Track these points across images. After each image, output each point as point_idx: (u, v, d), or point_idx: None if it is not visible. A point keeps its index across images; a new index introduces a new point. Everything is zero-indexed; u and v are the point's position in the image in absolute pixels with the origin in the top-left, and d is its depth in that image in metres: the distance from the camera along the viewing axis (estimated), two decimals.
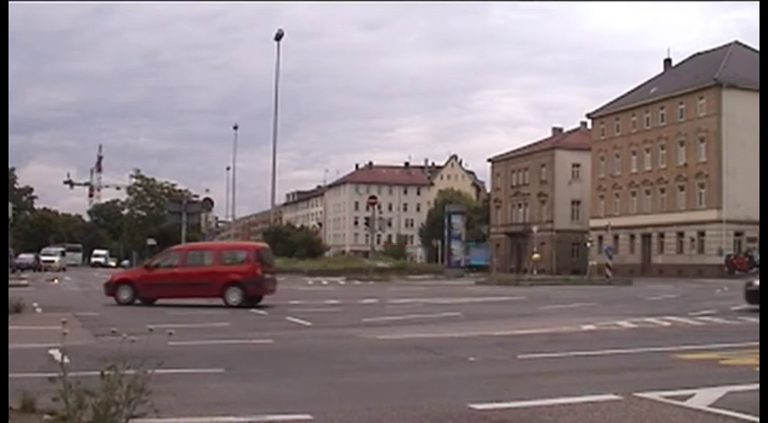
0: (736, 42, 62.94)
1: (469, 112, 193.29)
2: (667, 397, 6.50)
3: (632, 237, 64.53)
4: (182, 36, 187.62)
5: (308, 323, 15.06)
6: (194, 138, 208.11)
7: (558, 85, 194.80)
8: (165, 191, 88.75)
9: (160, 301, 20.02)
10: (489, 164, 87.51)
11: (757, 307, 16.34)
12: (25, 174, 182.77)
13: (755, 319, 14.31)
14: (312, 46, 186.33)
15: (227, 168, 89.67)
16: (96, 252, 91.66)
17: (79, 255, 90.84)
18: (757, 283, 17.39)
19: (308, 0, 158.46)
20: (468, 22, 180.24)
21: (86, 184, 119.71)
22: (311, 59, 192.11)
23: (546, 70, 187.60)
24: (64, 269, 59.75)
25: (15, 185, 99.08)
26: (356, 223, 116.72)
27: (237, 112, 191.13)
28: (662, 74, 68.93)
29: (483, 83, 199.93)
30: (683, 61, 67.85)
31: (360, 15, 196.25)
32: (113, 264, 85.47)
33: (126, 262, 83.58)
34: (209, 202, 39.88)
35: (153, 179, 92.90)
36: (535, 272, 52.22)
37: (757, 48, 48.04)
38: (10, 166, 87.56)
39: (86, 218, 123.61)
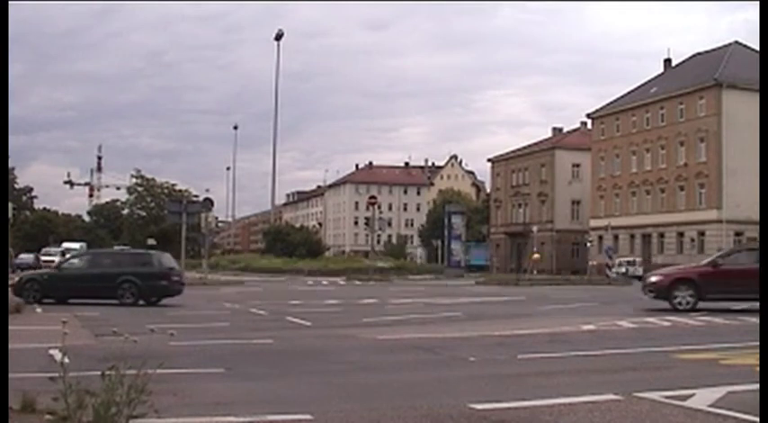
0: (736, 42, 62.95)
1: (473, 112, 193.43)
2: (667, 397, 6.49)
3: (632, 237, 64.53)
4: (186, 37, 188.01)
5: (308, 323, 15.05)
6: (198, 138, 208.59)
7: (562, 86, 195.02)
8: (166, 191, 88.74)
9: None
10: (489, 164, 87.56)
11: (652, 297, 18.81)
12: (28, 174, 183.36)
13: (755, 319, 14.31)
14: (316, 46, 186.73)
15: (228, 168, 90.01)
16: (67, 245, 70.72)
17: None
18: (653, 278, 19.43)
19: (313, 0, 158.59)
20: (472, 22, 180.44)
21: (86, 184, 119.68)
22: (315, 60, 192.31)
23: (550, 71, 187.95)
24: None
25: (15, 185, 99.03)
26: (356, 223, 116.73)
27: (241, 112, 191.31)
28: (662, 74, 68.92)
29: (487, 83, 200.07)
30: (684, 61, 67.85)
31: (364, 16, 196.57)
32: None
33: None
34: (208, 202, 39.80)
35: (153, 179, 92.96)
36: (535, 272, 52.22)
37: (757, 48, 48.04)
38: (10, 165, 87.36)
39: (86, 218, 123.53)
